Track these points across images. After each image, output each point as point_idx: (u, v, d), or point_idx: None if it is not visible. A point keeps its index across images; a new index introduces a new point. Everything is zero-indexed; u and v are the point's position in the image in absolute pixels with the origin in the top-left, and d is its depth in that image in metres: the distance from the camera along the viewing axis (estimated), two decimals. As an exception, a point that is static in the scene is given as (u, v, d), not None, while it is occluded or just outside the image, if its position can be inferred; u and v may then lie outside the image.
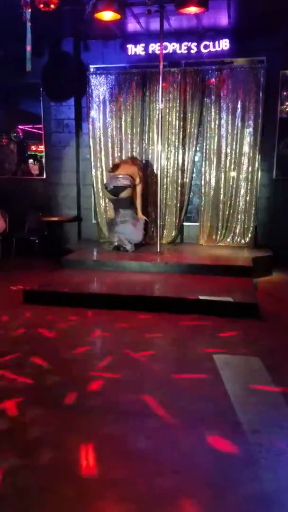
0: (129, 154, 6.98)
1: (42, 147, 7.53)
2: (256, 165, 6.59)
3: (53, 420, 2.50)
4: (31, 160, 7.73)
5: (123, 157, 6.99)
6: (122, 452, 2.21)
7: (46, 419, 2.50)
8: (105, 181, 7.13)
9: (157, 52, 6.05)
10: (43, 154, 7.53)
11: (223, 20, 6.09)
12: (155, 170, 6.72)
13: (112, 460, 2.14)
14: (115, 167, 6.43)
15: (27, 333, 3.85)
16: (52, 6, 5.03)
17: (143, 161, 6.84)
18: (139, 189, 6.32)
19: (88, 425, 2.45)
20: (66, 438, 2.32)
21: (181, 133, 6.77)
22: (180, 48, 6.50)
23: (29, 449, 2.22)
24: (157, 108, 6.15)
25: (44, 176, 7.55)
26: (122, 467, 2.09)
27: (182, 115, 6.71)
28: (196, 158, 6.92)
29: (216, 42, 6.39)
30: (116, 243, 6.44)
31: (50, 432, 2.38)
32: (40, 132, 7.49)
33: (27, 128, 7.75)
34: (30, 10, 4.93)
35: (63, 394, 2.75)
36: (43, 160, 7.55)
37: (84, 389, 2.84)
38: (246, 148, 6.59)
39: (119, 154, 7.03)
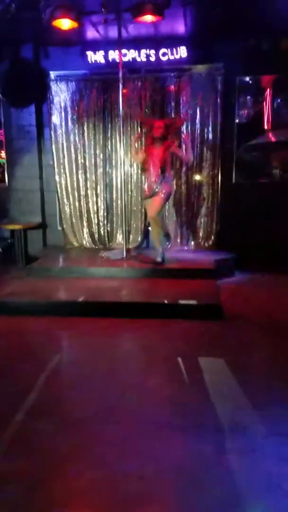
0: (93, 160, 6.99)
1: (3, 154, 7.43)
2: (216, 170, 6.77)
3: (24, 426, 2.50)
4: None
5: (87, 163, 7.00)
6: (88, 459, 2.24)
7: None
8: (69, 188, 7.13)
9: (117, 59, 6.09)
10: (5, 160, 7.43)
11: (180, 28, 6.21)
12: (119, 176, 6.76)
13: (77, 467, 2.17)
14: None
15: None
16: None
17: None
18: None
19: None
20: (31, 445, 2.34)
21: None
22: (140, 56, 6.57)
23: None
24: (118, 114, 6.19)
25: (7, 183, 7.45)
26: (87, 474, 2.12)
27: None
28: (159, 163, 7.00)
29: (174, 50, 6.49)
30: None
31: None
32: (1, 138, 7.39)
33: (-13, 135, 7.62)
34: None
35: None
36: (5, 166, 7.45)
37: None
38: (206, 153, 6.75)
39: (82, 160, 7.03)
